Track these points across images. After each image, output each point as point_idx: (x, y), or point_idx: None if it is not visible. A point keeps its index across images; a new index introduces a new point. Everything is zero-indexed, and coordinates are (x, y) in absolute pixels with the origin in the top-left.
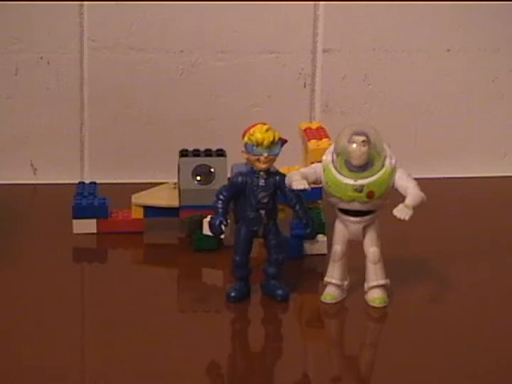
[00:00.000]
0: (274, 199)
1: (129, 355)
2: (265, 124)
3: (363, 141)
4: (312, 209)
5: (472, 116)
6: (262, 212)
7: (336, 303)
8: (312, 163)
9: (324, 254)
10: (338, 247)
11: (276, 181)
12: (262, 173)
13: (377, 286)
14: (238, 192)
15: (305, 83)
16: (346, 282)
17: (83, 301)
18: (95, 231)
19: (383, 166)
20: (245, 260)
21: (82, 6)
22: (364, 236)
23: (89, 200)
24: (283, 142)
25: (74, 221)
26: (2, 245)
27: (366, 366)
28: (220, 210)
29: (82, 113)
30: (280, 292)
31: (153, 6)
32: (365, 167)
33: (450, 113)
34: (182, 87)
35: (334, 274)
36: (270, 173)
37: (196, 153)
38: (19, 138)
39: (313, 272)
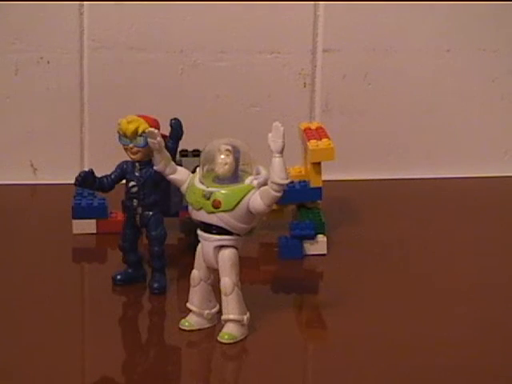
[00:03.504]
0: (151, 191)
1: (129, 354)
2: (147, 115)
3: (227, 150)
4: (312, 209)
5: (472, 116)
6: (135, 201)
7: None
8: (313, 163)
9: (324, 254)
10: (195, 272)
11: (151, 173)
12: (136, 163)
13: (227, 320)
14: (124, 176)
15: (305, 83)
16: (208, 311)
17: (83, 301)
18: (95, 231)
19: (244, 183)
20: (128, 246)
21: (81, 5)
22: (218, 263)
23: (88, 200)
24: (152, 135)
25: (74, 221)
26: (2, 245)
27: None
28: (98, 176)
29: (82, 113)
30: (156, 285)
31: (153, 6)
32: (229, 181)
33: (450, 113)
34: (182, 87)
35: (193, 300)
36: (147, 164)
37: (196, 153)
38: (19, 138)
39: (312, 272)
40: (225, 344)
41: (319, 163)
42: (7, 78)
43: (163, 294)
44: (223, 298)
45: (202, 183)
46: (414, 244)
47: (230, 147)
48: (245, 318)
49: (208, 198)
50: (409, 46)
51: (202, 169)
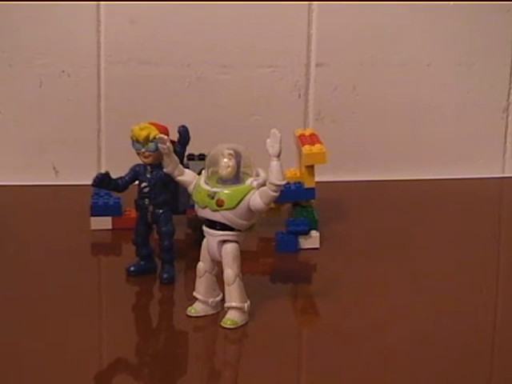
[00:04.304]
0: (161, 191)
1: (141, 338)
2: (157, 123)
3: (230, 154)
4: (306, 207)
5: (449, 124)
6: (146, 200)
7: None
8: (306, 166)
9: (317, 248)
10: (200, 264)
11: (161, 175)
12: (148, 166)
13: (230, 308)
14: (136, 177)
15: (299, 94)
16: (212, 299)
17: (100, 290)
18: (110, 227)
19: (245, 183)
20: (140, 241)
21: (99, 25)
22: (221, 256)
23: (105, 199)
24: (162, 141)
25: (92, 218)
26: (27, 239)
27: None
28: (113, 177)
29: (99, 121)
30: (165, 275)
31: (162, 25)
32: (231, 182)
33: (429, 121)
34: (189, 97)
35: (199, 289)
36: (157, 167)
37: (201, 157)
38: (43, 144)
39: (307, 264)
40: (227, 329)
41: (312, 166)
42: (33, 90)
43: (172, 284)
44: (226, 287)
45: (207, 184)
46: (398, 238)
47: (232, 152)
48: (245, 305)
49: (212, 198)
50: (393, 60)
51: (207, 171)
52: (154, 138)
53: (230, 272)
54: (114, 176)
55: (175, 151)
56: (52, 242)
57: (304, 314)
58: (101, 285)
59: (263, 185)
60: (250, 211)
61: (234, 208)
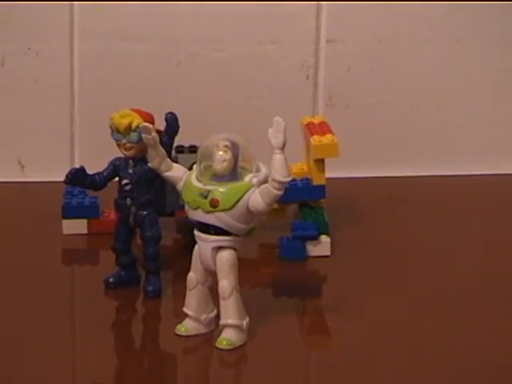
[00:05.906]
0: (146, 189)
1: (122, 361)
2: (140, 109)
3: (225, 146)
4: (315, 208)
5: (483, 109)
6: (128, 200)
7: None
8: (315, 160)
9: (327, 256)
10: (191, 274)
11: (145, 171)
12: (130, 160)
13: (226, 325)
14: (117, 173)
15: (307, 75)
16: (205, 316)
17: (73, 305)
18: (86, 232)
19: (243, 180)
20: (121, 248)
21: None
22: (215, 265)
23: (79, 199)
24: (147, 130)
25: (64, 221)
26: None
27: None
28: (89, 173)
29: (72, 107)
30: (150, 288)
31: None
32: (228, 179)
33: (459, 106)
34: (178, 79)
35: (189, 304)
36: (141, 161)
37: (192, 149)
38: (6, 134)
39: (315, 274)
40: (223, 350)
41: (322, 160)
42: None
43: (158, 298)
44: (221, 301)
45: (199, 181)
46: (422, 245)
47: (228, 143)
48: (244, 322)
49: (205, 197)
50: (417, 36)
51: (199, 166)
52: (137, 126)
53: (225, 284)
54: (90, 171)
55: (162, 142)
56: (17, 249)
57: (312, 334)
58: (74, 299)
59: (265, 182)
60: (250, 212)
61: (230, 209)
